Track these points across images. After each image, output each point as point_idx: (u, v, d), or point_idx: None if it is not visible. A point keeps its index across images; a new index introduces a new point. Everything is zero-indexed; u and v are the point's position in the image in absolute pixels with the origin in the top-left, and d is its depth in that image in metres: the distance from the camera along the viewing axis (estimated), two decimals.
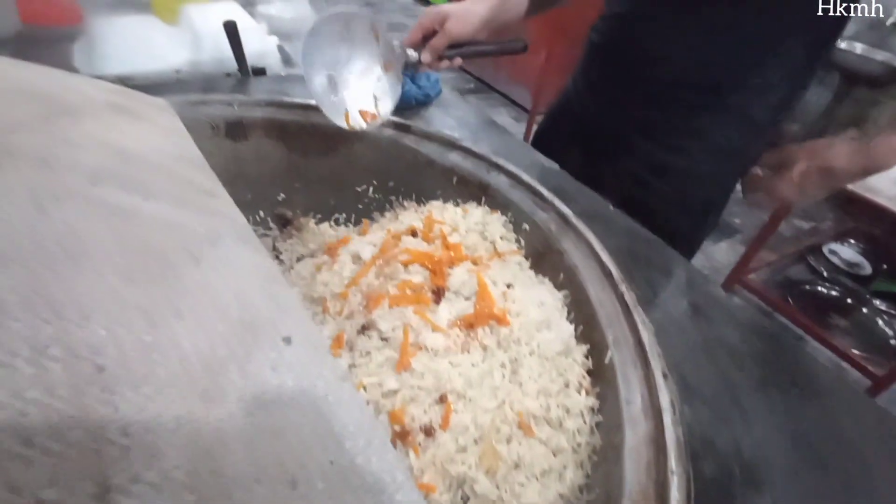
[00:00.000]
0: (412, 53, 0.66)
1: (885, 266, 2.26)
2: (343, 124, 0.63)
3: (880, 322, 2.04)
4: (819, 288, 2.17)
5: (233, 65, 0.82)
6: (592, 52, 0.83)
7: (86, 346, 0.21)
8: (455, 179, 0.65)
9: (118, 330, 0.23)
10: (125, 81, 0.64)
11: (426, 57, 0.66)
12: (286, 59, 0.94)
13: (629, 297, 0.43)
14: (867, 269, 2.25)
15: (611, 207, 0.66)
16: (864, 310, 2.09)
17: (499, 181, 0.61)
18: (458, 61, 0.68)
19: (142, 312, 0.25)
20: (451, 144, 0.65)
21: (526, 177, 0.60)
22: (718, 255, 2.41)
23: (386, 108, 0.65)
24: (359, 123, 0.64)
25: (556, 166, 0.76)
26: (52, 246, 0.25)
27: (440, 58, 0.67)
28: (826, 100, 2.48)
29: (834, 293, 2.16)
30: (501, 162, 0.62)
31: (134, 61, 0.74)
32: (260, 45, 0.88)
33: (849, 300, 2.13)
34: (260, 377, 0.26)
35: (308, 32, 0.57)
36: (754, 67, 0.66)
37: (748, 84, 0.67)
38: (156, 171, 0.41)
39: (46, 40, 0.79)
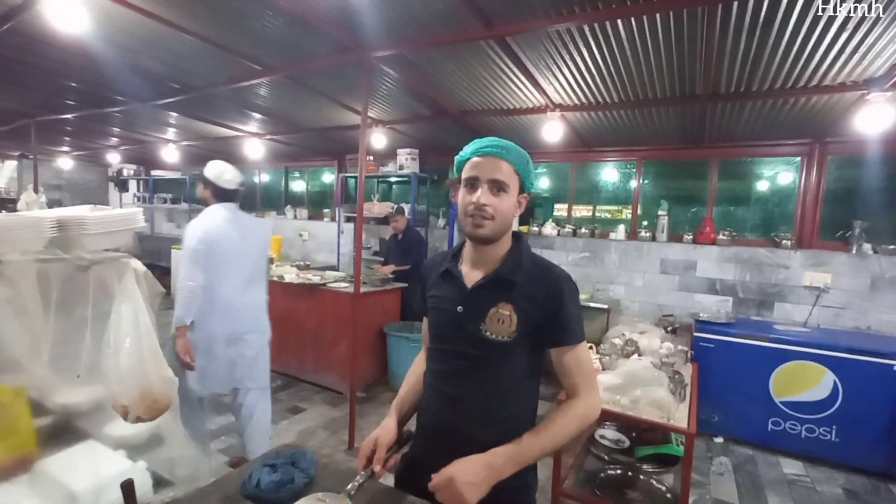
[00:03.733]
0: (363, 475, 0.98)
1: (634, 434, 3.07)
2: None
3: (654, 482, 2.72)
4: (609, 472, 2.79)
5: None
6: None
7: None
8: None
9: None
10: None
11: (377, 468, 1.00)
12: (155, 479, 1.02)
13: None
14: (627, 442, 3.01)
15: None
16: (641, 476, 2.76)
17: None
18: (395, 459, 1.05)
19: None
20: None
21: None
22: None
23: None
24: None
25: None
26: None
27: (385, 463, 1.04)
28: None
29: (619, 472, 2.80)
30: None
31: None
32: (131, 472, 0.97)
33: (629, 473, 2.79)
34: None
35: None
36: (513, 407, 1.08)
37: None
38: None
39: None
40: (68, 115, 4.99)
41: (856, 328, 3.62)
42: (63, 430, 1.25)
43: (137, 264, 0.92)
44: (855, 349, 3.06)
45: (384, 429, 1.11)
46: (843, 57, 2.35)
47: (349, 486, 0.95)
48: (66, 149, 7.96)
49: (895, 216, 3.72)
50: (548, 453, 1.04)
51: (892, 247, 3.53)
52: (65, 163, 8.62)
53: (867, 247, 3.62)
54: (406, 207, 4.97)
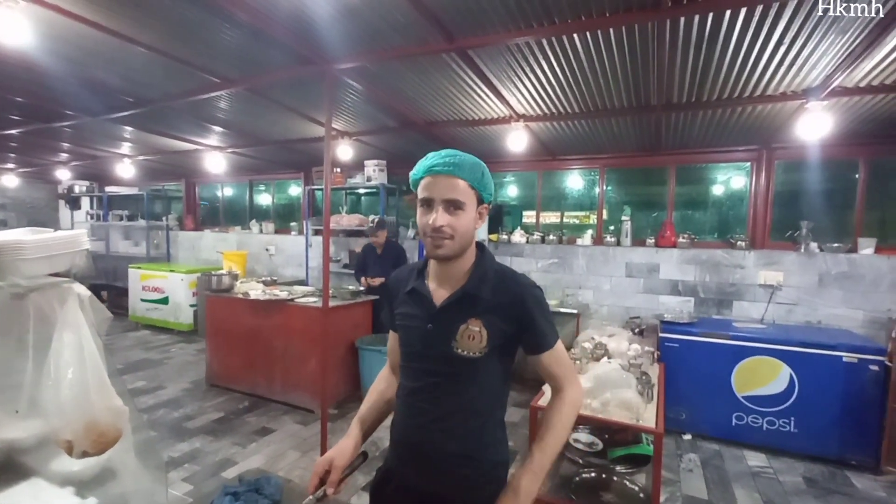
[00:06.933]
0: (313, 498, 0.97)
1: (606, 436, 3.12)
2: None
3: (627, 483, 2.76)
4: (583, 475, 2.82)
5: None
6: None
7: None
8: None
9: None
10: None
11: (330, 490, 0.99)
12: None
13: None
14: (600, 445, 3.05)
15: None
16: (614, 478, 2.80)
17: None
18: (347, 482, 1.04)
19: None
20: None
21: None
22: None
23: None
24: None
25: None
26: None
27: (339, 485, 1.03)
28: None
29: (593, 474, 2.83)
30: None
31: None
32: None
33: (603, 475, 2.83)
34: None
35: None
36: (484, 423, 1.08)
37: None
38: None
39: None
40: (13, 131, 4.72)
41: (807, 323, 3.82)
42: (5, 468, 1.16)
43: (81, 289, 0.86)
44: (807, 343, 3.22)
45: (340, 450, 1.09)
46: (783, 69, 2.50)
47: (313, 498, 0.96)
48: (10, 165, 7.52)
49: (837, 216, 3.97)
50: (559, 450, 1.08)
51: (835, 245, 3.76)
52: (9, 180, 8.13)
53: (814, 245, 3.84)
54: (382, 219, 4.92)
